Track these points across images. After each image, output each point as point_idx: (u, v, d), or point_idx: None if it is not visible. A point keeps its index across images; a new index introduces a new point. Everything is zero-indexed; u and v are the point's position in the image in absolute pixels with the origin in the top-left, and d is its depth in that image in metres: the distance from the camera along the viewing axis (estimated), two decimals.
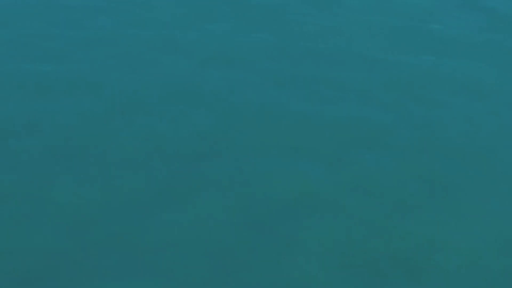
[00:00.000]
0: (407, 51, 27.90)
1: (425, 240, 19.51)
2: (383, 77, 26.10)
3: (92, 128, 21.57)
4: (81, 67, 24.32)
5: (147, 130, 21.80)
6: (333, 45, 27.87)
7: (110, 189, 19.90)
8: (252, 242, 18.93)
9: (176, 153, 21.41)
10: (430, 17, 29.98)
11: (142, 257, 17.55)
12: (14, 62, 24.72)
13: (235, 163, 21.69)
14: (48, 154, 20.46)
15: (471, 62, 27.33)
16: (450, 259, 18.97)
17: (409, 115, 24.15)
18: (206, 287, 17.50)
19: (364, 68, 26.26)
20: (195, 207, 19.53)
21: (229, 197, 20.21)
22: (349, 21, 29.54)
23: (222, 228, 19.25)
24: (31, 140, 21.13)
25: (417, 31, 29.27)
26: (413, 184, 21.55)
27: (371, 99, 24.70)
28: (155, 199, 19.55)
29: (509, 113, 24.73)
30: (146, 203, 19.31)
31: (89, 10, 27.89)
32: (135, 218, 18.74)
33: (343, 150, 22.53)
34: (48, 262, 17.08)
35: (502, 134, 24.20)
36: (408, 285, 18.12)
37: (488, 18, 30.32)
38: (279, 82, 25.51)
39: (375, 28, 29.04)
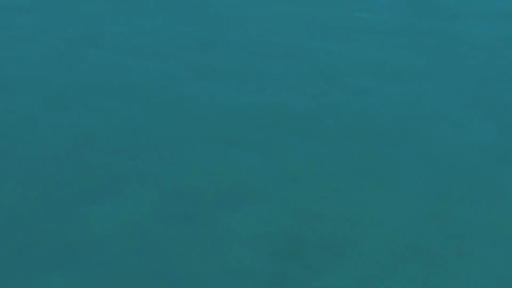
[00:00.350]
0: (332, 39, 28.53)
1: (354, 223, 20.17)
2: (309, 66, 26.68)
3: (20, 125, 21.65)
4: (5, 65, 24.35)
5: (77, 125, 21.95)
6: (256, 36, 28.38)
7: (38, 184, 20.04)
8: (183, 232, 19.30)
9: (107, 147, 21.62)
10: (357, 5, 30.59)
11: (70, 251, 17.77)
12: None
13: (166, 155, 22.01)
14: None
15: (397, 48, 28.09)
16: (377, 242, 19.66)
17: (336, 101, 24.75)
18: (135, 279, 17.79)
19: (289, 58, 26.82)
20: (126, 199, 19.82)
21: (160, 189, 20.55)
22: (274, 12, 30.03)
23: (154, 219, 19.55)
24: None
25: (343, 20, 29.89)
26: (341, 169, 22.17)
27: (297, 87, 25.26)
28: (84, 193, 19.73)
29: (435, 98, 25.52)
30: (74, 197, 19.51)
31: (11, 9, 27.91)
32: (62, 212, 18.93)
33: (271, 138, 23.04)
34: None
35: (428, 118, 24.99)
36: (336, 268, 18.75)
37: (416, 5, 31.03)
38: (206, 73, 25.92)
39: (300, 18, 29.62)
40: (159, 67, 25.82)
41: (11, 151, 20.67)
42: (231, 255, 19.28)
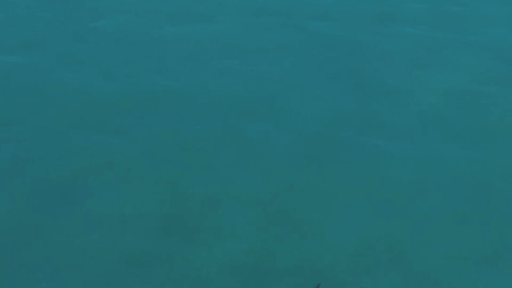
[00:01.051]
0: (197, 23, 29.05)
1: (220, 201, 21.04)
2: (176, 50, 27.33)
3: None
4: None
5: None
6: (124, 24, 28.58)
7: None
8: (58, 217, 19.92)
9: None
10: None
11: None
12: None
13: (38, 140, 22.45)
14: None
15: (258, 29, 28.79)
16: (241, 217, 20.63)
17: (203, 82, 25.40)
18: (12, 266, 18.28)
19: (156, 43, 27.28)
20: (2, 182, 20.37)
21: (35, 171, 21.09)
22: (141, 1, 30.03)
23: (28, 208, 20.13)
24: None
25: (207, 3, 30.18)
26: (209, 146, 22.97)
27: (165, 71, 25.84)
28: None
29: (296, 74, 26.47)
30: None
31: None
32: None
33: (143, 121, 23.65)
34: None
35: (289, 92, 26.01)
36: (207, 243, 19.66)
37: None
38: (72, 62, 26.30)
39: (162, 6, 29.71)
40: (30, 59, 26.05)
41: None
42: (111, 235, 19.96)
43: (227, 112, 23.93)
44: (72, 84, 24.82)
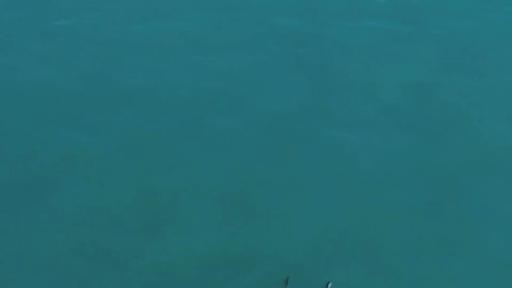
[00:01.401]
0: (161, 19, 29.02)
1: (173, 195, 21.29)
2: (143, 45, 27.27)
3: None
4: None
5: None
6: (93, 23, 28.39)
7: None
8: (25, 212, 20.20)
9: None
10: None
11: None
12: None
13: (3, 137, 22.52)
14: None
15: (221, 24, 28.82)
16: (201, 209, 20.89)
17: (169, 77, 25.34)
18: None
19: (123, 40, 27.23)
20: None
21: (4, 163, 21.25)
22: None
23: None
24: None
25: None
26: (173, 139, 23.01)
27: (133, 66, 25.68)
28: None
29: (258, 67, 26.61)
30: None
31: None
32: None
33: (98, 116, 23.62)
34: None
35: (252, 85, 26.12)
36: (168, 235, 19.87)
37: None
38: (39, 60, 26.23)
39: (131, 3, 29.48)
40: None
41: None
42: (77, 230, 20.08)
43: (192, 107, 24.14)
44: (39, 82, 24.92)
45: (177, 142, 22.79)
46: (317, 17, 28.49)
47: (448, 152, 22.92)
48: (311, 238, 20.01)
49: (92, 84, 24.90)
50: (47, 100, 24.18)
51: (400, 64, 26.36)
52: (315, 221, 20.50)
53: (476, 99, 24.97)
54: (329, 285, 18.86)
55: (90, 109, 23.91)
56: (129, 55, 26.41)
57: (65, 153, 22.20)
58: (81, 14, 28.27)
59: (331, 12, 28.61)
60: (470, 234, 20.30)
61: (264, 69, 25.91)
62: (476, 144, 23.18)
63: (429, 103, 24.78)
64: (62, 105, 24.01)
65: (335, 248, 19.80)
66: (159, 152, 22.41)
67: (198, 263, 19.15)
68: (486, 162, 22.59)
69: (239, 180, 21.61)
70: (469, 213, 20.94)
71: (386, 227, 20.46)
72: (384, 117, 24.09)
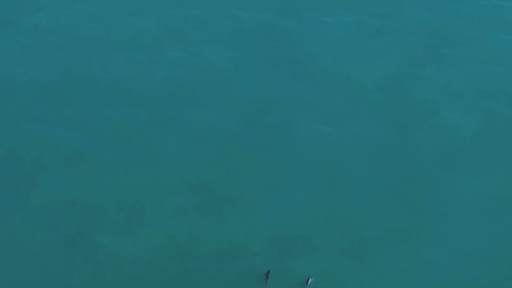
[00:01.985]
0: (135, 16, 28.82)
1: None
2: (114, 39, 27.15)
3: None
4: None
5: None
6: (53, 18, 28.27)
7: None
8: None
9: None
10: None
11: None
12: None
13: None
14: None
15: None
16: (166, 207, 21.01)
17: (141, 70, 25.26)
18: None
19: (93, 32, 27.08)
20: None
21: None
22: None
23: None
24: None
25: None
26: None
27: (103, 61, 25.78)
28: None
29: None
30: None
31: None
32: None
33: (74, 110, 23.59)
34: None
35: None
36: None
37: None
38: (15, 55, 26.07)
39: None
40: None
41: None
42: (54, 225, 20.02)
43: (166, 100, 24.27)
44: (14, 79, 24.90)
45: (154, 136, 22.99)
46: (292, 11, 28.61)
47: (420, 143, 23.23)
48: (279, 229, 20.30)
49: (69, 80, 24.92)
50: (23, 96, 24.18)
51: (374, 57, 26.62)
52: (284, 212, 20.80)
53: (447, 90, 25.31)
54: (310, 280, 19.07)
55: (68, 105, 23.97)
56: (106, 51, 26.45)
57: (42, 149, 22.26)
58: (56, 11, 28.14)
59: (308, 7, 28.76)
60: (439, 222, 20.67)
61: (240, 64, 26.08)
62: (447, 136, 23.55)
63: (402, 96, 25.05)
64: (38, 101, 24.01)
65: (301, 239, 20.09)
66: (136, 146, 22.57)
67: (175, 255, 19.37)
68: (456, 153, 23.01)
69: (216, 172, 21.85)
70: (440, 202, 21.32)
71: (356, 218, 20.76)
72: (357, 109, 24.34)
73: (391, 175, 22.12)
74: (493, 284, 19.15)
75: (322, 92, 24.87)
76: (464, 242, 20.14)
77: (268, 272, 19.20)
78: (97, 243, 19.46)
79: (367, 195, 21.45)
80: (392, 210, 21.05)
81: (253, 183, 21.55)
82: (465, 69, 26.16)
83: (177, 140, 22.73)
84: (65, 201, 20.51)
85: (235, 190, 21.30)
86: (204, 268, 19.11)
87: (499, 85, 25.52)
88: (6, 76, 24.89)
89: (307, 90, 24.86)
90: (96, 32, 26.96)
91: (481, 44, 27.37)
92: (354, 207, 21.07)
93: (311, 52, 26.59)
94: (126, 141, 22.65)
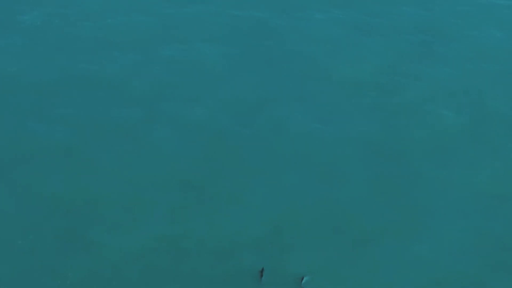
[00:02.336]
0: (127, 15, 28.86)
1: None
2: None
3: None
4: None
5: None
6: (48, 17, 28.27)
7: None
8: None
9: None
10: None
11: None
12: None
13: None
14: None
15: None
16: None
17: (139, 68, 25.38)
18: None
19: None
20: None
21: None
22: None
23: None
24: None
25: None
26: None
27: (96, 58, 25.82)
28: None
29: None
30: None
31: None
32: None
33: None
34: None
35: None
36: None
37: None
38: (9, 52, 26.06)
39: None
40: None
41: None
42: (39, 220, 20.03)
43: (161, 97, 24.34)
44: (9, 76, 24.90)
45: (149, 133, 23.08)
46: (288, 10, 28.66)
47: (411, 140, 23.41)
48: (266, 225, 20.45)
49: (64, 78, 24.93)
50: (18, 94, 24.21)
51: (367, 54, 26.74)
52: (282, 209, 20.97)
53: (440, 87, 25.47)
54: (304, 279, 19.22)
55: (62, 102, 23.99)
56: (101, 49, 26.45)
57: (37, 147, 22.33)
58: (51, 10, 28.10)
59: (302, 5, 28.83)
60: (430, 218, 20.90)
61: (234, 61, 26.16)
62: (439, 132, 23.74)
63: (395, 93, 25.21)
64: (33, 99, 24.05)
65: (307, 236, 20.23)
66: (130, 143, 22.65)
67: (168, 252, 19.50)
68: (447, 150, 23.22)
69: (210, 169, 21.94)
70: (430, 199, 21.53)
71: (353, 214, 20.95)
72: (350, 106, 24.51)
73: (382, 171, 22.30)
74: (481, 277, 19.47)
75: (316, 89, 25.01)
76: (453, 238, 20.38)
77: (263, 269, 19.33)
78: (91, 240, 19.60)
79: (359, 191, 21.63)
80: (384, 206, 21.24)
81: (247, 180, 21.70)
82: (457, 67, 26.33)
83: (172, 137, 22.86)
84: (60, 198, 20.62)
85: (229, 187, 21.44)
86: (198, 266, 19.26)
87: (491, 82, 25.72)
88: (1, 75, 24.91)
89: (301, 87, 25.00)
90: (91, 30, 27.02)
91: (473, 42, 27.52)
92: (346, 203, 21.24)
93: (305, 50, 26.72)
94: (120, 138, 22.76)
